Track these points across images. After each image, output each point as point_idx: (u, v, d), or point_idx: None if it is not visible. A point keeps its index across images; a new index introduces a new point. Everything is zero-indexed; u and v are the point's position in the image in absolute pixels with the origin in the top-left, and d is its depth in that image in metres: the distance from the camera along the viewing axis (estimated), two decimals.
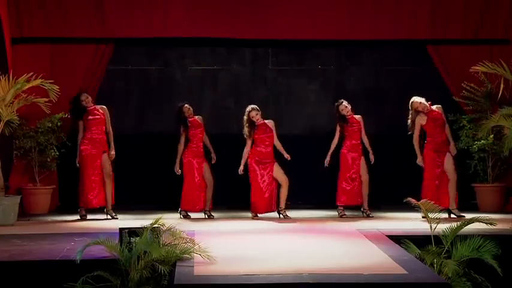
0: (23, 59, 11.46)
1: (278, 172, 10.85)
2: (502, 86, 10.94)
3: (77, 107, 11.01)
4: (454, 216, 10.41)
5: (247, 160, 10.84)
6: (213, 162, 11.07)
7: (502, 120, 10.29)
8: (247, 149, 10.88)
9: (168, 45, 12.42)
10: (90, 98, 11.05)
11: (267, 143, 10.87)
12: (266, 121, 10.94)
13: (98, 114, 10.98)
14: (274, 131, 10.92)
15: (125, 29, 11.71)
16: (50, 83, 10.71)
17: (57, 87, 10.67)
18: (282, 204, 10.84)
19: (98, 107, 11.05)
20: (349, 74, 12.67)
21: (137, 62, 12.55)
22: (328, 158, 10.94)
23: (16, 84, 10.53)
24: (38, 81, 10.63)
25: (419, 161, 10.69)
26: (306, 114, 12.61)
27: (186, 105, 11.07)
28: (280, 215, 10.82)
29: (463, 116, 11.74)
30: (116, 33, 11.77)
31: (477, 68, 11.15)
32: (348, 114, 10.98)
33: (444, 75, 12.08)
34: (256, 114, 10.86)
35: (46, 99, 10.76)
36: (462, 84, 11.72)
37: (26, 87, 10.61)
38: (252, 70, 12.69)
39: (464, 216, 10.07)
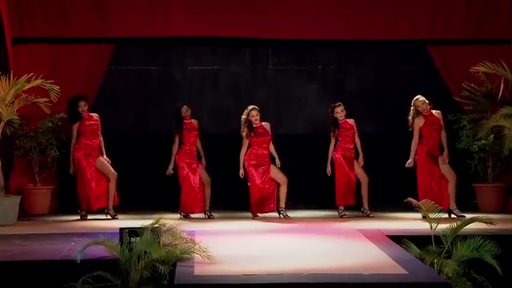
0: (23, 59, 11.46)
1: (276, 172, 10.84)
2: (502, 86, 10.95)
3: (73, 110, 11.01)
4: (455, 216, 10.41)
5: (244, 163, 10.85)
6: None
7: (502, 120, 10.31)
8: (243, 151, 10.88)
9: (168, 45, 12.43)
10: (87, 106, 11.04)
11: (265, 145, 10.88)
12: (263, 123, 10.94)
13: (93, 121, 10.99)
14: (270, 134, 10.93)
15: (125, 28, 11.71)
16: (51, 83, 10.72)
17: (58, 87, 10.68)
18: (282, 204, 10.84)
19: (91, 114, 11.05)
20: (349, 74, 12.67)
21: (137, 62, 12.56)
22: (329, 167, 10.94)
23: (16, 84, 10.54)
24: (39, 81, 10.64)
25: (408, 162, 10.69)
26: (306, 114, 12.61)
27: (185, 106, 11.07)
28: (281, 215, 10.82)
29: (463, 116, 11.73)
30: (117, 33, 11.76)
31: (477, 68, 11.16)
32: (341, 118, 10.96)
33: (444, 75, 12.07)
34: (257, 115, 10.86)
35: (46, 99, 10.77)
36: (462, 84, 11.70)
37: (27, 87, 10.61)
38: (252, 70, 12.70)
39: (464, 216, 10.06)
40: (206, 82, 12.68)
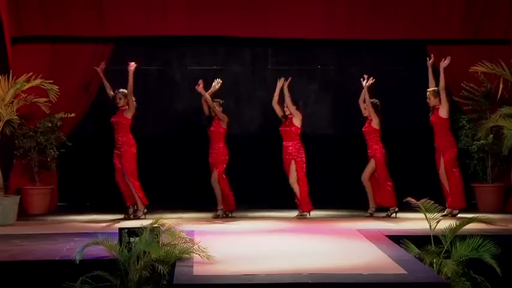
0: (22, 58, 11.44)
1: (293, 170, 10.90)
2: (501, 86, 10.95)
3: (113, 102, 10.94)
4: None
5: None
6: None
7: (501, 120, 10.32)
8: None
9: (167, 45, 12.41)
10: (122, 99, 10.87)
11: (287, 138, 10.89)
12: (294, 115, 10.98)
13: (119, 118, 10.84)
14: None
15: (124, 27, 11.67)
16: (50, 83, 10.71)
17: (57, 87, 10.68)
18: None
19: (124, 109, 10.88)
20: (348, 74, 12.66)
21: (137, 62, 12.52)
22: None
23: (16, 84, 10.54)
24: (38, 81, 10.64)
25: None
26: (306, 114, 12.58)
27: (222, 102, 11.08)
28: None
29: (463, 116, 11.73)
30: (116, 32, 11.73)
31: (477, 68, 11.17)
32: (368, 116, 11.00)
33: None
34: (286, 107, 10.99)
35: (46, 99, 10.78)
36: (462, 84, 11.71)
37: (26, 87, 10.62)
38: (252, 70, 12.69)
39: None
40: (206, 82, 12.65)
